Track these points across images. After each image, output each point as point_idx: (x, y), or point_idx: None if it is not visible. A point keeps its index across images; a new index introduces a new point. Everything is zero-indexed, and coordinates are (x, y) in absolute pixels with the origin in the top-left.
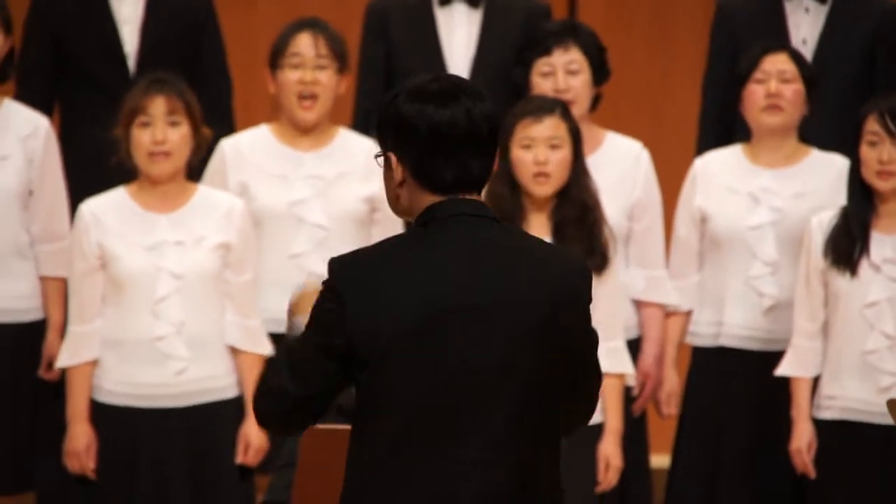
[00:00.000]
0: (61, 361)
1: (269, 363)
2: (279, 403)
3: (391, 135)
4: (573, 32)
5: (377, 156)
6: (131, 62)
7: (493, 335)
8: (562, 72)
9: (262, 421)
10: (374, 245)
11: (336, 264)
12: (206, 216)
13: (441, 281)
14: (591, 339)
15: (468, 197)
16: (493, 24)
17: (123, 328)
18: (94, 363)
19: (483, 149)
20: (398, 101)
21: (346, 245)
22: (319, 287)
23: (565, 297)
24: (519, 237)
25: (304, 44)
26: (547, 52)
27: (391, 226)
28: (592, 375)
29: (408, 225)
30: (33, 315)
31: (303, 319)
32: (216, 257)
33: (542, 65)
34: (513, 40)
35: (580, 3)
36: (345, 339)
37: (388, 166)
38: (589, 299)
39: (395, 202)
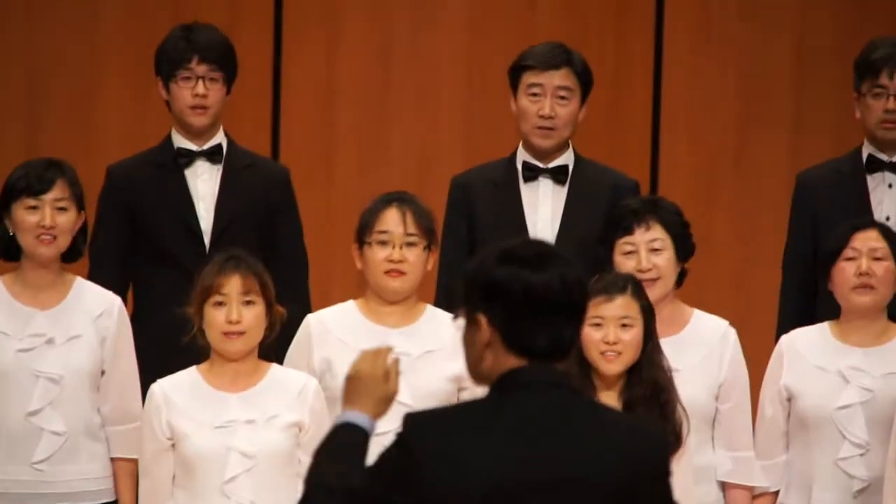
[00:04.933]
0: None
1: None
2: None
3: (481, 296)
4: (654, 209)
5: (456, 317)
6: (206, 239)
7: None
8: (644, 250)
9: None
10: (451, 406)
11: (411, 421)
12: (279, 395)
13: (512, 453)
14: None
15: (552, 364)
16: (578, 199)
17: None
18: None
19: (575, 315)
20: (488, 262)
21: None
22: (375, 371)
23: (641, 472)
24: (596, 409)
25: (392, 220)
26: (628, 231)
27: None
28: None
29: None
30: (105, 497)
31: (355, 414)
32: (288, 437)
33: (623, 244)
34: (598, 216)
35: (662, 177)
36: (408, 498)
37: (473, 328)
38: (668, 472)
39: (476, 364)
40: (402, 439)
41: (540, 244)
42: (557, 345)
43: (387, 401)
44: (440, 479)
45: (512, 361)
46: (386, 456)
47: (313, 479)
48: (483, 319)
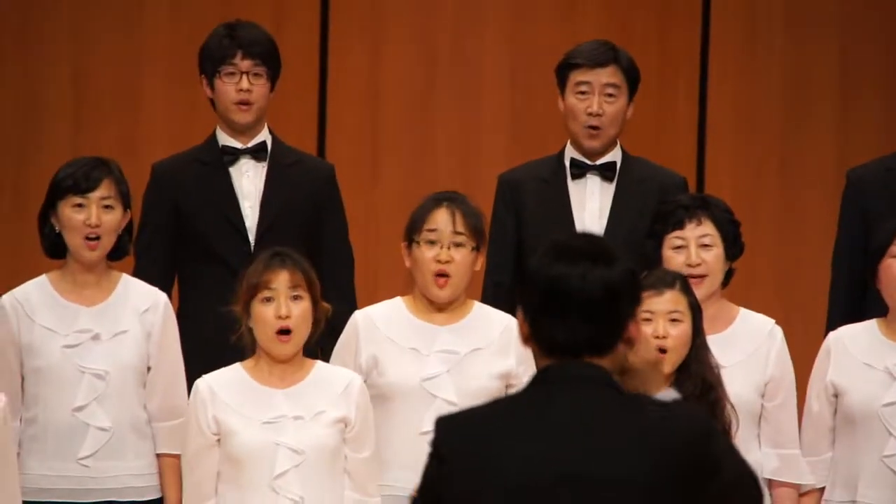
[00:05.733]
0: None
1: None
2: None
3: (519, 287)
4: (706, 206)
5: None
6: (252, 236)
7: None
8: (694, 245)
9: None
10: (483, 405)
11: (440, 424)
12: (324, 391)
13: (544, 449)
14: (742, 489)
15: (586, 360)
16: (626, 196)
17: None
18: None
19: (596, 314)
20: (537, 255)
21: None
22: None
23: (679, 462)
24: (629, 404)
25: (442, 220)
26: (679, 225)
27: None
28: None
29: None
30: (151, 493)
31: None
32: (335, 432)
33: (673, 238)
34: (646, 213)
35: (708, 176)
36: (441, 499)
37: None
38: (717, 458)
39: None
40: (433, 446)
41: (593, 240)
42: (573, 343)
43: None
44: (469, 478)
45: (544, 359)
46: (425, 468)
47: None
48: (520, 313)
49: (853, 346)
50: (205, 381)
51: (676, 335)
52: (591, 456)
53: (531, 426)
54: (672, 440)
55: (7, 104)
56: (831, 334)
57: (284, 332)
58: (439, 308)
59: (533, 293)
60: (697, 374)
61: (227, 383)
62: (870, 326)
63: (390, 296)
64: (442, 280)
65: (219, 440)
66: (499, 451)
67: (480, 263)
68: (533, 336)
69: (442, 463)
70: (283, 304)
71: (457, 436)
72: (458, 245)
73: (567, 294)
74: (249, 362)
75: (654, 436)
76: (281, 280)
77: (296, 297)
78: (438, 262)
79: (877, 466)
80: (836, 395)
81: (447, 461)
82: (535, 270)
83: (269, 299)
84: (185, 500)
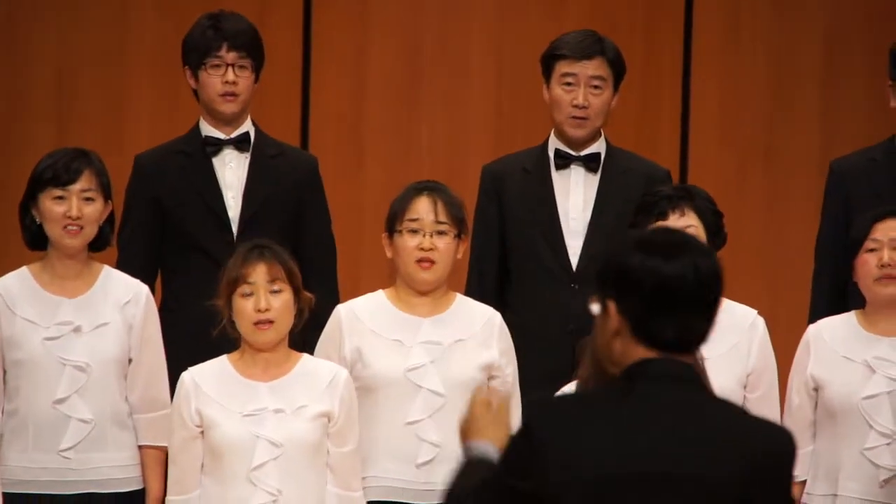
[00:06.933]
0: None
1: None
2: None
3: (612, 283)
4: (688, 196)
5: (593, 301)
6: (234, 227)
7: None
8: None
9: None
10: (574, 394)
11: (535, 408)
12: (308, 385)
13: (637, 444)
14: None
15: (681, 357)
16: (610, 187)
17: (222, 497)
18: None
19: (707, 308)
20: (622, 250)
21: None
22: (483, 405)
23: (764, 473)
24: (721, 406)
25: (423, 208)
26: (661, 215)
27: (508, 392)
28: None
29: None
30: (133, 485)
31: (479, 444)
32: (317, 427)
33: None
34: (630, 204)
35: (692, 167)
36: (534, 484)
37: (604, 314)
38: (791, 475)
39: (606, 351)
40: (525, 426)
41: (677, 233)
42: (686, 338)
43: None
44: (556, 464)
45: (640, 352)
46: (509, 444)
47: (448, 496)
48: (612, 307)
49: (832, 339)
50: (189, 374)
51: None
52: (684, 454)
53: (628, 422)
54: (764, 446)
55: None
56: (811, 327)
57: (264, 322)
58: (422, 299)
59: (637, 291)
60: None
61: (211, 375)
62: (849, 319)
63: (373, 287)
64: (426, 264)
65: (202, 432)
66: (590, 440)
67: (462, 251)
68: (635, 332)
69: (530, 442)
70: (262, 298)
71: (550, 419)
72: (440, 233)
73: (681, 289)
74: (235, 355)
75: (747, 440)
76: (259, 273)
77: (275, 291)
78: (421, 249)
79: (857, 459)
80: (816, 389)
81: (536, 442)
82: (639, 268)
83: (248, 293)
84: (170, 492)
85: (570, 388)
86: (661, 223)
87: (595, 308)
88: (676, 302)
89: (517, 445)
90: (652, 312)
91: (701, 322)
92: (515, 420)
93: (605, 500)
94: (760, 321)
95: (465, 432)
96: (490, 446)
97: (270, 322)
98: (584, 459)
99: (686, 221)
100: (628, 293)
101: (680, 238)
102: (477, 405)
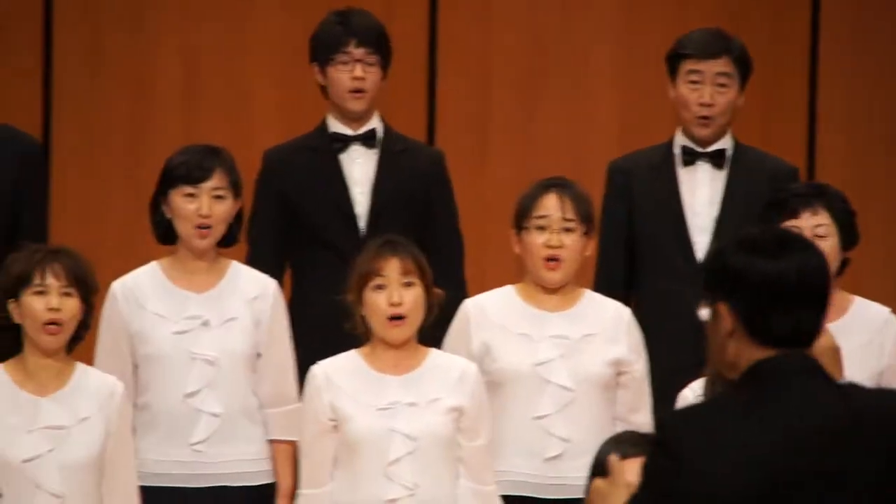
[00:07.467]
0: None
1: None
2: None
3: (721, 286)
4: (821, 195)
5: (703, 306)
6: (362, 223)
7: None
8: (809, 235)
9: None
10: (702, 403)
11: (667, 424)
12: (439, 379)
13: (783, 446)
14: None
15: (798, 352)
16: (737, 184)
17: (356, 491)
18: None
19: (819, 302)
20: (727, 251)
21: (591, 409)
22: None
23: None
24: (854, 396)
25: (551, 205)
26: (794, 214)
27: (638, 388)
28: None
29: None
30: (263, 478)
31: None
32: (449, 420)
33: (787, 227)
34: (757, 201)
35: (818, 164)
36: (683, 502)
37: (716, 317)
38: None
39: (720, 354)
40: (661, 444)
41: (779, 231)
42: (801, 333)
43: None
44: (709, 474)
45: (756, 351)
46: (649, 468)
47: None
48: (724, 309)
49: None
50: (321, 368)
51: None
52: (836, 453)
53: (767, 424)
54: None
55: (119, 92)
56: None
57: (397, 318)
58: (550, 295)
59: (748, 290)
60: None
61: (342, 370)
62: None
63: (499, 283)
64: (553, 263)
65: (335, 426)
66: (738, 445)
67: (591, 248)
68: (749, 330)
69: (674, 459)
70: (394, 292)
71: (687, 432)
72: (568, 230)
73: (787, 286)
74: (365, 349)
75: (885, 428)
76: (392, 267)
77: (408, 284)
78: (549, 247)
79: None
80: None
81: (680, 457)
82: (749, 267)
83: (380, 287)
84: (302, 485)
85: (697, 384)
86: (792, 222)
87: (704, 313)
88: (789, 298)
89: (660, 466)
90: (766, 310)
91: (814, 317)
92: (646, 416)
93: None
94: (894, 319)
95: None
96: None
97: (403, 317)
98: (732, 468)
99: (818, 220)
100: (740, 293)
101: (783, 235)
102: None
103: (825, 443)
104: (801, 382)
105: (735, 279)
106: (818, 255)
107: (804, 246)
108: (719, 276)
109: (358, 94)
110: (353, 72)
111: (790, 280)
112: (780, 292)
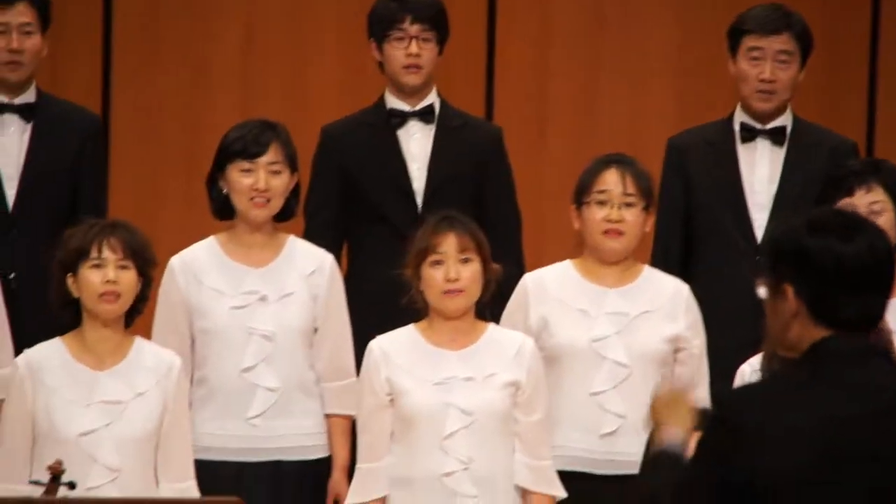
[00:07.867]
0: (351, 499)
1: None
2: None
3: (789, 266)
4: (876, 171)
5: (764, 285)
6: (419, 199)
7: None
8: (864, 212)
9: None
10: (760, 381)
11: (725, 399)
12: (496, 354)
13: (842, 423)
14: None
15: (861, 335)
16: (796, 160)
17: (412, 465)
18: (382, 500)
19: (886, 285)
20: (796, 232)
21: (646, 385)
22: (673, 394)
23: None
24: None
25: (612, 181)
26: (849, 191)
27: (696, 364)
28: None
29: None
30: (320, 452)
31: (672, 433)
32: (505, 395)
33: (843, 205)
34: (816, 178)
35: (878, 140)
36: (741, 475)
37: (780, 297)
38: None
39: (782, 334)
40: (721, 420)
41: (848, 214)
42: (867, 316)
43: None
44: (771, 450)
45: (820, 332)
46: (707, 441)
47: (642, 491)
48: (790, 290)
49: None
50: (378, 343)
51: None
52: (881, 431)
53: (826, 402)
54: None
55: (177, 68)
56: None
57: (453, 291)
58: (609, 270)
59: (818, 272)
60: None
61: (400, 344)
62: None
63: (557, 258)
64: (613, 233)
65: (392, 400)
66: (797, 422)
67: (650, 224)
68: (814, 312)
69: (735, 433)
70: (452, 267)
71: (747, 408)
72: (628, 205)
73: (860, 268)
74: (423, 324)
75: None
76: (450, 243)
77: (465, 260)
78: (609, 221)
79: None
80: None
81: (741, 432)
82: (819, 250)
83: (438, 262)
84: (360, 459)
85: (755, 360)
86: (847, 200)
87: (763, 292)
88: (857, 281)
89: (720, 441)
90: (835, 293)
91: (880, 299)
92: (703, 392)
93: (815, 483)
94: None
95: (658, 417)
96: (678, 434)
97: (460, 291)
98: (791, 445)
99: (873, 197)
100: (808, 275)
101: (852, 218)
102: (660, 398)
103: (881, 423)
104: (862, 362)
105: (805, 261)
106: (886, 239)
107: (872, 229)
108: (787, 258)
109: (413, 70)
110: (408, 48)
111: (862, 263)
112: (851, 276)
